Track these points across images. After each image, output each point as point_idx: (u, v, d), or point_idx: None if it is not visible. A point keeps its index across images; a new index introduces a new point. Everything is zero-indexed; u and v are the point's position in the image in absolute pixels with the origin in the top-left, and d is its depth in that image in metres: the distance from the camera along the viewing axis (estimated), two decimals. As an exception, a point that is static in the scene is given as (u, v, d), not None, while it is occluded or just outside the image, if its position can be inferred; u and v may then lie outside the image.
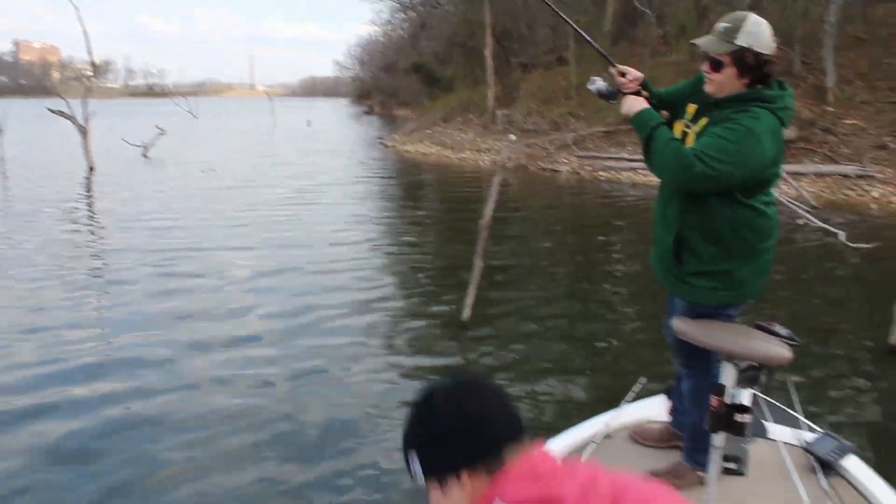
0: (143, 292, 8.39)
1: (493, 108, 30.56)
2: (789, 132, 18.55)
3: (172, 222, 12.99)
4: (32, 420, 5.24)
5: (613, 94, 3.14)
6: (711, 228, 2.97)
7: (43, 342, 6.80)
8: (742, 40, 2.74)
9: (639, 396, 3.68)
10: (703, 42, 2.86)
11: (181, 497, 4.26)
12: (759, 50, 2.77)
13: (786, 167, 17.31)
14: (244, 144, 34.85)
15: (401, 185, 21.86)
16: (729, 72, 2.82)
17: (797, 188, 16.56)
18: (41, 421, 5.22)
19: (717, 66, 2.84)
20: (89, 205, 16.17)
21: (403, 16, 57.94)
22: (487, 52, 32.47)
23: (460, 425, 1.34)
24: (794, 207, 13.37)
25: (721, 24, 2.83)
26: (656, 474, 3.05)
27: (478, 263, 7.46)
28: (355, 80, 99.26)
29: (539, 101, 29.91)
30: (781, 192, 15.20)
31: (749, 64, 2.78)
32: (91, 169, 21.57)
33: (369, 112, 76.89)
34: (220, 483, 4.41)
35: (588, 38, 3.42)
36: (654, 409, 3.56)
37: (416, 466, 1.37)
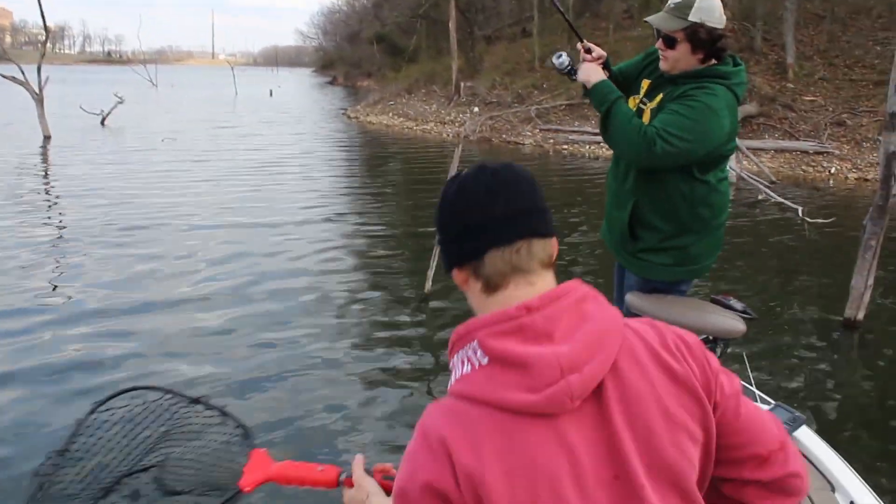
0: (96, 268, 8.18)
1: (457, 80, 30.40)
2: (750, 108, 18.81)
3: (131, 194, 12.70)
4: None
5: (576, 72, 3.11)
6: (668, 205, 2.98)
7: None
8: (694, 16, 2.74)
9: None
10: (656, 19, 2.85)
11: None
12: (711, 25, 2.77)
13: (746, 143, 17.55)
14: (205, 114, 34.29)
15: (364, 156, 21.72)
16: (683, 48, 2.82)
17: (758, 164, 16.75)
18: None
19: (670, 42, 2.84)
20: (45, 174, 15.80)
21: (367, -15, 57.37)
22: (451, 24, 32.22)
23: (448, 220, 1.29)
24: (755, 182, 13.54)
25: (673, 1, 2.82)
26: None
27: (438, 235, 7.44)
28: (318, 50, 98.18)
29: (503, 74, 29.83)
30: (742, 167, 15.38)
31: (702, 39, 2.78)
32: (47, 138, 21.07)
33: (332, 82, 76.17)
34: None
35: (560, 9, 3.38)
36: None
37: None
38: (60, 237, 9.74)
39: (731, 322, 2.98)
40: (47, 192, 13.39)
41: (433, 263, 7.34)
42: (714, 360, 1.27)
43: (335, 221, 11.13)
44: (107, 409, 1.87)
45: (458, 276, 1.28)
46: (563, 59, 3.13)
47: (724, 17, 2.81)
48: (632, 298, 3.09)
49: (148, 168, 16.29)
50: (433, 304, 7.22)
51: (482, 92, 28.83)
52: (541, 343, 1.14)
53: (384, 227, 10.98)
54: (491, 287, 1.24)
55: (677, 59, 2.86)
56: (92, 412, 1.86)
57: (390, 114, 31.76)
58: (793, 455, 1.31)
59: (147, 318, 6.65)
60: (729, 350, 3.15)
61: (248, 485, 1.76)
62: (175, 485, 1.83)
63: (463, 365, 1.18)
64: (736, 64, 2.94)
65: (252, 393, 5.21)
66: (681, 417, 1.18)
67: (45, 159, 18.04)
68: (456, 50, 31.77)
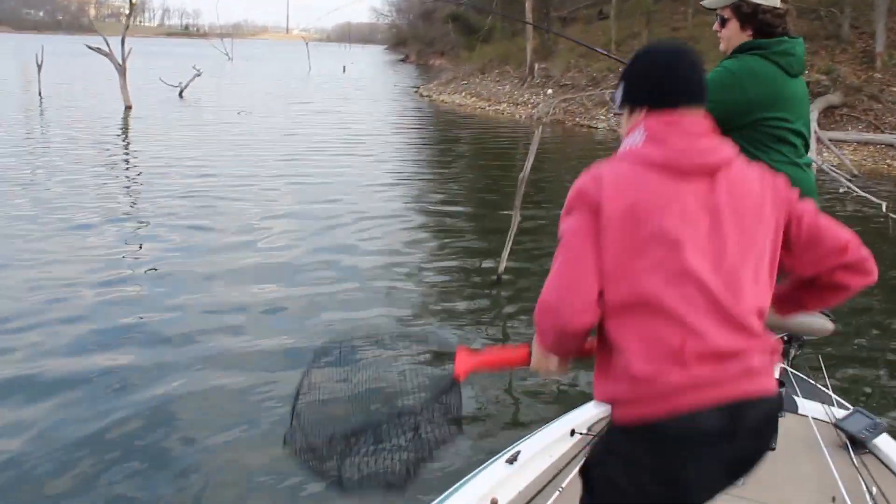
0: (171, 245, 8.26)
1: (532, 61, 30.15)
2: (833, 97, 18.18)
3: (207, 169, 12.89)
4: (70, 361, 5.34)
5: None
6: None
7: (66, 294, 6.69)
8: None
9: None
10: (708, 1, 2.99)
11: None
12: (756, 0, 2.87)
13: (828, 134, 17.06)
14: (280, 88, 34.79)
15: (436, 136, 21.76)
16: (732, 25, 2.94)
17: (839, 155, 16.26)
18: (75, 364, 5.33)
19: (722, 22, 2.96)
20: (125, 146, 16.25)
21: (443, -37, 57.19)
22: (527, 4, 31.95)
23: (665, 70, 1.81)
24: (836, 175, 13.16)
25: None
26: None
27: (515, 218, 7.42)
28: (391, 28, 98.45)
29: (577, 56, 29.49)
30: (823, 158, 14.97)
31: (746, 13, 2.89)
32: (128, 108, 21.66)
33: (405, 60, 76.29)
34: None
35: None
36: None
37: (618, 94, 1.90)
38: (135, 205, 10.07)
39: (820, 321, 2.90)
40: (126, 162, 13.78)
41: (508, 244, 7.32)
42: (795, 191, 1.86)
43: (408, 201, 11.22)
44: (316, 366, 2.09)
45: (640, 113, 1.83)
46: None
47: None
48: None
49: (224, 140, 16.63)
50: (506, 284, 7.23)
51: (556, 74, 28.57)
52: (686, 136, 1.74)
53: (457, 208, 11.00)
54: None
55: (730, 38, 2.96)
56: (307, 370, 2.07)
57: (463, 93, 31.72)
58: (862, 245, 1.84)
59: (216, 319, 6.48)
60: (802, 351, 3.08)
61: (461, 374, 2.02)
62: (407, 406, 2.04)
63: (624, 147, 1.80)
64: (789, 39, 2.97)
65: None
66: (769, 220, 1.77)
67: (125, 129, 18.57)
68: (531, 30, 31.55)
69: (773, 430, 1.78)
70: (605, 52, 5.97)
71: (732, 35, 2.95)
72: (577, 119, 23.83)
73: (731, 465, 1.72)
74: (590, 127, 23.04)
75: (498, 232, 7.97)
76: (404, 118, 24.88)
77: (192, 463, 4.04)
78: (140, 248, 8.07)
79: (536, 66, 29.98)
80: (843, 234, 1.83)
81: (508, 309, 6.70)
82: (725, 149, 1.77)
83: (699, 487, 1.70)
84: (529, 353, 1.99)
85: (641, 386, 1.62)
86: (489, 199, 11.64)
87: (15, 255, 7.56)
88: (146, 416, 4.50)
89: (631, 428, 1.67)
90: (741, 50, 2.94)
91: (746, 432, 1.66)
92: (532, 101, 26.83)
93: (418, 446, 1.97)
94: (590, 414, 3.11)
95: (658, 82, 1.81)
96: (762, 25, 2.91)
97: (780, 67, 2.90)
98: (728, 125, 2.88)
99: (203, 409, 4.65)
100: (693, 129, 1.76)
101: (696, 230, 1.66)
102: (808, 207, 1.85)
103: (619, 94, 1.90)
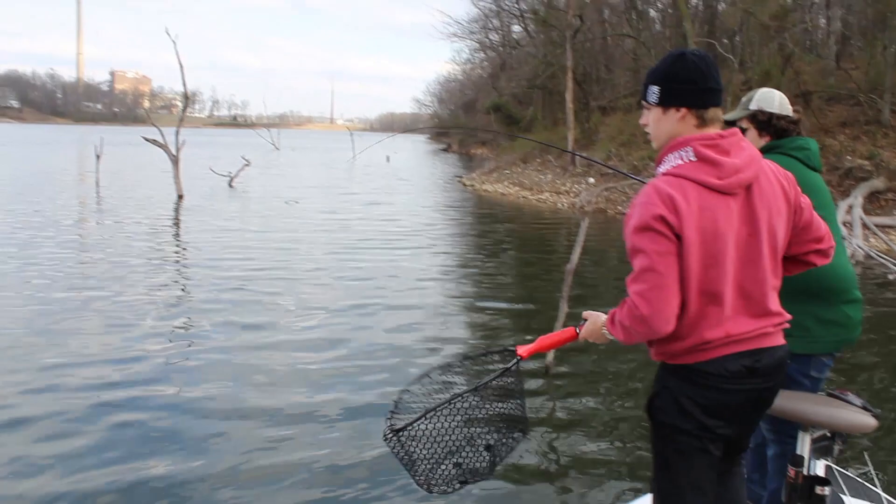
0: (221, 333, 8.47)
1: (573, 150, 30.56)
2: (878, 183, 18.09)
3: (255, 259, 13.19)
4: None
5: None
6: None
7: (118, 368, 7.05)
8: (754, 105, 3.30)
9: None
10: (729, 115, 3.31)
11: None
12: (769, 110, 3.26)
13: (874, 219, 16.96)
14: (325, 178, 35.54)
15: (480, 227, 21.91)
16: (751, 134, 3.30)
17: (886, 241, 16.14)
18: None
19: (742, 131, 3.15)
20: (176, 235, 16.75)
21: (483, 55, 58.62)
22: (568, 96, 32.58)
23: (697, 77, 2.22)
24: (883, 261, 13.05)
25: (742, 99, 3.39)
26: None
27: (563, 308, 7.50)
28: (433, 118, 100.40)
29: (618, 145, 29.85)
30: (870, 245, 14.87)
31: (762, 121, 3.28)
32: (180, 197, 22.34)
33: (447, 150, 77.61)
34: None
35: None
36: None
37: (654, 94, 2.29)
38: (185, 291, 10.34)
39: (862, 417, 2.88)
40: (176, 253, 14.17)
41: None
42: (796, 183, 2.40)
43: (452, 295, 11.26)
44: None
45: (676, 112, 2.27)
46: None
47: (789, 107, 3.29)
48: None
49: (272, 229, 17.04)
50: (555, 377, 7.25)
51: (597, 164, 28.84)
52: (725, 155, 2.20)
53: (500, 304, 10.96)
54: (702, 124, 2.26)
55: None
56: (405, 389, 2.59)
57: (505, 182, 32.09)
58: (831, 237, 2.47)
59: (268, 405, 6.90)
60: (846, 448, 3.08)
61: (524, 353, 2.59)
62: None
63: (675, 160, 2.23)
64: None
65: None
66: (785, 212, 2.30)
67: (177, 218, 19.12)
68: (572, 120, 32.06)
69: (783, 371, 2.37)
70: (587, 157, 6.12)
71: (753, 141, 3.23)
72: (620, 207, 23.98)
73: (753, 398, 2.32)
74: (631, 215, 23.06)
75: (544, 323, 8.03)
76: (448, 209, 25.16)
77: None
78: (189, 345, 8.23)
79: (577, 155, 30.33)
80: (823, 226, 2.44)
81: (557, 397, 6.73)
82: (755, 160, 2.26)
83: (729, 412, 2.28)
84: (575, 332, 2.60)
85: (688, 342, 2.23)
86: (534, 289, 11.72)
87: (67, 335, 7.85)
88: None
89: (681, 369, 2.28)
90: (761, 153, 3.08)
91: (763, 371, 2.28)
92: (574, 189, 27.09)
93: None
94: None
95: (696, 86, 2.23)
96: (777, 131, 3.27)
97: (799, 160, 3.16)
98: None
99: None
100: (731, 149, 2.22)
101: (740, 237, 2.20)
102: (807, 200, 2.40)
103: (653, 93, 2.29)
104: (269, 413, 6.15)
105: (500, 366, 2.57)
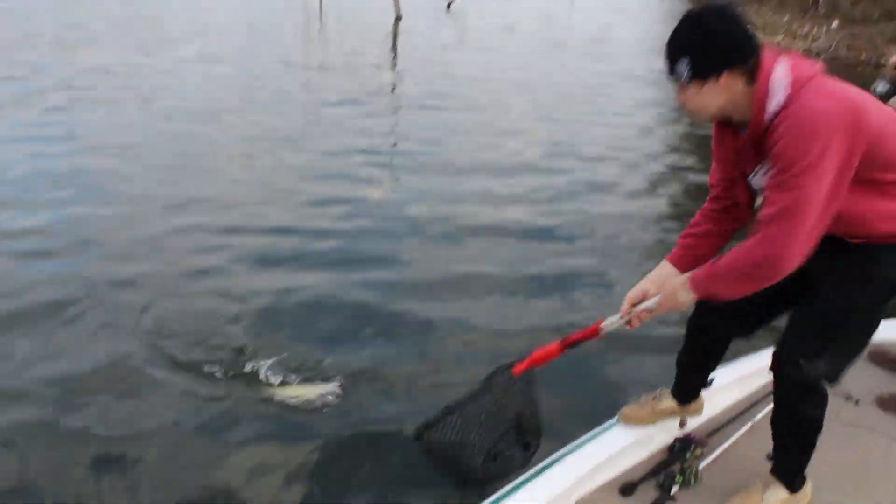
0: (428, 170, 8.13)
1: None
2: None
3: (466, 97, 12.86)
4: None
5: None
6: None
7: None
8: None
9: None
10: None
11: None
12: None
13: None
14: (550, 7, 34.44)
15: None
16: None
17: None
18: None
19: None
20: (392, 58, 16.97)
21: None
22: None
23: (729, 32, 1.85)
24: None
25: None
26: (892, 400, 2.87)
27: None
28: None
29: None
30: None
31: None
32: (398, 18, 22.51)
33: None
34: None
35: None
36: None
37: (684, 69, 1.88)
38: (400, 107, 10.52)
39: None
40: (392, 69, 14.41)
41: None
42: None
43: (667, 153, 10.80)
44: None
45: (716, 80, 1.86)
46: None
47: None
48: None
49: (486, 67, 16.88)
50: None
51: (845, 3, 26.02)
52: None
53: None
54: (751, 80, 1.86)
55: None
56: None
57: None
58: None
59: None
60: None
61: (517, 371, 2.43)
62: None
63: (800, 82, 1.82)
64: None
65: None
66: None
67: (394, 37, 19.38)
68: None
69: None
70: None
71: None
72: (863, 56, 21.66)
73: None
74: (877, 66, 20.86)
75: None
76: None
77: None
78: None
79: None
80: None
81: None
82: None
83: None
84: (597, 329, 2.27)
85: None
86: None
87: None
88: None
89: None
90: None
91: None
92: (813, 33, 24.71)
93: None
94: None
95: (738, 38, 1.84)
96: None
97: None
98: None
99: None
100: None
101: None
102: None
103: (683, 69, 1.89)
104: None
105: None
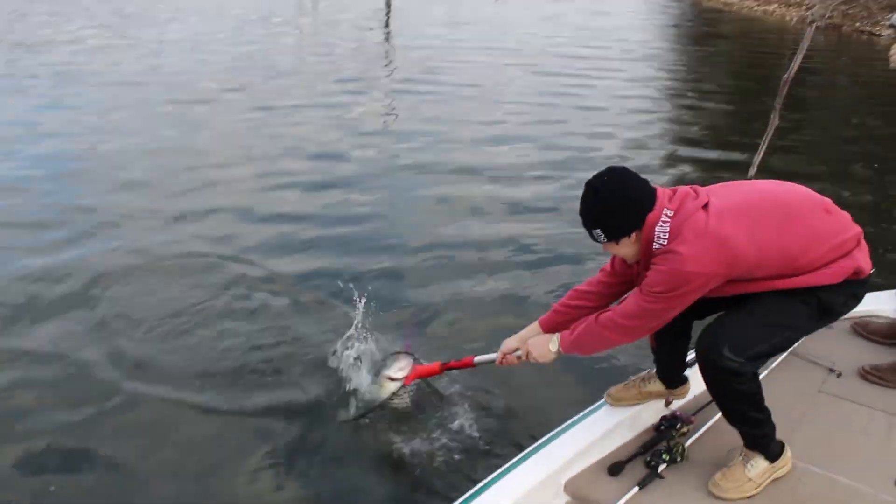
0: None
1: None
2: None
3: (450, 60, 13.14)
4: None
5: None
6: None
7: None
8: None
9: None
10: None
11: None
12: None
13: None
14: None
15: (696, 34, 20.61)
16: None
17: None
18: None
19: None
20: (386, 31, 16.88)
21: None
22: None
23: (625, 207, 2.18)
24: None
25: None
26: (877, 370, 2.94)
27: (774, 119, 6.85)
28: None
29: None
30: None
31: None
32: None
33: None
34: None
35: None
36: (884, 304, 3.35)
37: (600, 235, 2.22)
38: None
39: None
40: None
41: (763, 144, 6.75)
42: None
43: (662, 96, 10.88)
44: None
45: (628, 238, 2.22)
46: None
47: None
48: None
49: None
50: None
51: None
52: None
53: (713, 104, 10.37)
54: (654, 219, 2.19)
55: None
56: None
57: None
58: None
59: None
60: None
61: (407, 381, 3.12)
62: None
63: (663, 233, 2.14)
64: None
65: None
66: None
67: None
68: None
69: None
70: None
71: None
72: (858, 24, 21.53)
73: None
74: (871, 34, 20.74)
75: (751, 133, 7.77)
76: (664, 16, 23.73)
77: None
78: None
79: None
80: None
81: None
82: None
83: None
84: (471, 361, 2.84)
85: None
86: (748, 100, 11.04)
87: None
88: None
89: None
90: None
91: None
92: (807, 1, 24.55)
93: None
94: None
95: (635, 207, 2.18)
96: None
97: None
98: None
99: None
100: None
101: None
102: None
103: (599, 235, 2.24)
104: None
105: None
